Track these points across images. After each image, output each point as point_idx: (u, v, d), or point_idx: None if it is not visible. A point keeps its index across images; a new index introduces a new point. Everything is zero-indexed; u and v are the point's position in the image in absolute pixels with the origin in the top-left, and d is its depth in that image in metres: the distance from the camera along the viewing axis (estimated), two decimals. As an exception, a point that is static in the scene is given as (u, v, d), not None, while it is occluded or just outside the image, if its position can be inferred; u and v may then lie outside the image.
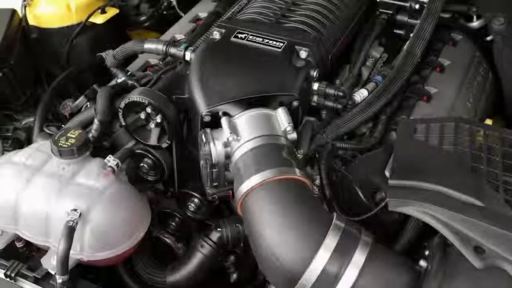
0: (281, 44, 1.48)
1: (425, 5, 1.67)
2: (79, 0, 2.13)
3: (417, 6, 1.79)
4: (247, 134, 1.26)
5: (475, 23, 1.96)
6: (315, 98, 1.47)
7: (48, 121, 1.74)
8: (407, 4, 1.82)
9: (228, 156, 1.28)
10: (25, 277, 1.37)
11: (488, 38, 1.91)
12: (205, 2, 2.24)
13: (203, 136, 1.28)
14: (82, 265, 1.34)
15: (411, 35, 1.62)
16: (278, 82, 1.39)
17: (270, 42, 1.49)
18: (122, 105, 1.44)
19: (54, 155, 1.36)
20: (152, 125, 1.44)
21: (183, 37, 1.99)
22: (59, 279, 1.24)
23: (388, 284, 1.04)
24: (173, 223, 1.63)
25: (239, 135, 1.26)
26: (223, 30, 1.55)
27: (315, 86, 1.44)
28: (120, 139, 1.56)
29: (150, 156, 1.50)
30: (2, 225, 1.37)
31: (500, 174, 1.15)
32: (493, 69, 1.91)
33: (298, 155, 1.30)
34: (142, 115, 1.43)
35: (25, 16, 2.10)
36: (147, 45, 1.66)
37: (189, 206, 1.56)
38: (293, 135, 1.29)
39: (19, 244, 1.45)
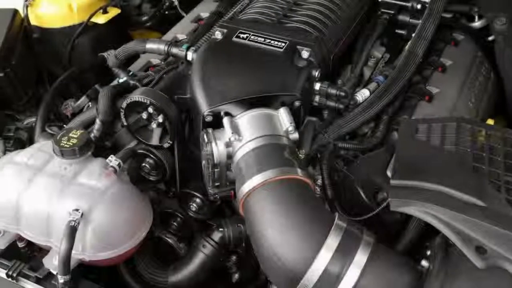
0: (283, 44, 1.47)
1: (427, 5, 1.66)
2: (81, 0, 2.13)
3: (419, 6, 1.79)
4: (249, 134, 1.26)
5: (477, 23, 1.96)
6: (317, 98, 1.47)
7: (50, 121, 1.74)
8: (409, 4, 1.82)
9: (230, 156, 1.28)
10: (27, 277, 1.37)
11: (490, 38, 1.91)
12: (207, 2, 2.23)
13: (205, 136, 1.28)
14: (84, 265, 1.34)
15: (413, 35, 1.61)
16: (280, 82, 1.39)
17: (272, 42, 1.49)
18: (124, 105, 1.44)
19: (56, 155, 1.36)
20: (154, 125, 1.44)
21: (185, 37, 1.98)
22: (61, 279, 1.23)
23: (390, 284, 1.04)
24: (175, 223, 1.63)
25: (241, 135, 1.26)
26: (225, 30, 1.55)
27: (317, 86, 1.44)
28: (122, 139, 1.56)
29: (152, 156, 1.50)
30: (4, 225, 1.37)
31: (502, 174, 1.15)
32: (495, 69, 1.91)
33: (300, 155, 1.30)
34: (144, 115, 1.43)
35: (27, 16, 2.10)
36: (149, 45, 1.66)
37: (191, 206, 1.56)
38: (295, 135, 1.29)
39: (21, 244, 1.44)
